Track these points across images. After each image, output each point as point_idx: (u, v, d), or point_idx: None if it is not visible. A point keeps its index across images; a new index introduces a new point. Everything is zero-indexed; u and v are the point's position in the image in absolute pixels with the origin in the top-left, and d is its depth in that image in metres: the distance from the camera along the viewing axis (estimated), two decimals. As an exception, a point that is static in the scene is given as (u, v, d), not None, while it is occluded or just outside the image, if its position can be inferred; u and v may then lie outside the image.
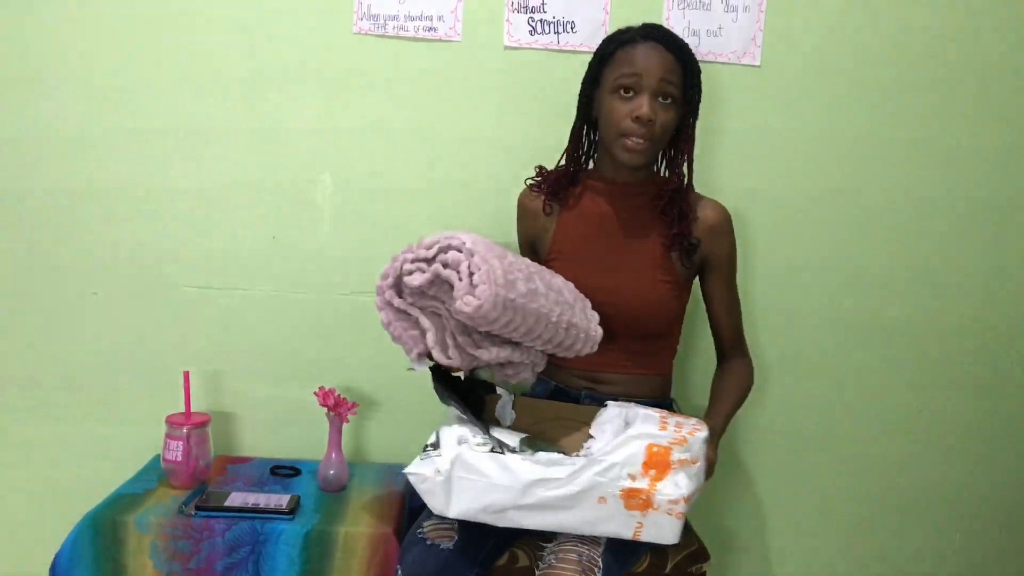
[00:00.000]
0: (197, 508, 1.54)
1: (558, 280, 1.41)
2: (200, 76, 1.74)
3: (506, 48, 1.75)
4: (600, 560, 1.24)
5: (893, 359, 1.92)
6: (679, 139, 1.50)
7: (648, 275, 1.51)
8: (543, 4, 1.73)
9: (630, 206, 1.52)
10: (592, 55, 1.50)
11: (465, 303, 1.22)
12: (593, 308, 1.45)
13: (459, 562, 1.29)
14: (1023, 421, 1.97)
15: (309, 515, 1.56)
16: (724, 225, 1.53)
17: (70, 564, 1.51)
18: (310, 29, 1.73)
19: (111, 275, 1.80)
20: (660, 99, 1.39)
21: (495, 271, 1.23)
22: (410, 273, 1.31)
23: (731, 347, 1.61)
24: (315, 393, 1.69)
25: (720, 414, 1.50)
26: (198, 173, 1.78)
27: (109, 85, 1.74)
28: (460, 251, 1.26)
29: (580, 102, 1.53)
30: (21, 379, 1.83)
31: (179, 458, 1.64)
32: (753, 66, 1.77)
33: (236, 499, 1.57)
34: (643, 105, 1.38)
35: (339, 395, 1.69)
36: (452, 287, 1.26)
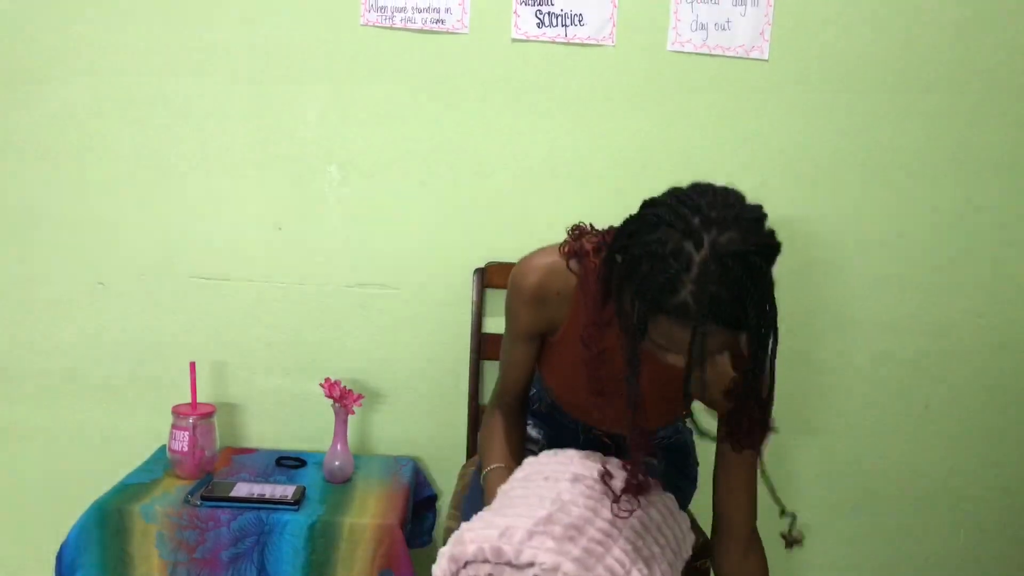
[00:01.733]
0: (203, 498, 1.55)
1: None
2: (207, 67, 1.74)
3: (513, 41, 1.75)
4: None
5: (898, 354, 1.91)
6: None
7: (661, 413, 1.25)
8: (551, -3, 1.73)
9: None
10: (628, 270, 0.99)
11: None
12: (588, 422, 1.32)
13: None
14: (1029, 418, 1.97)
15: (314, 506, 1.57)
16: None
17: (76, 553, 1.52)
18: (317, 21, 1.73)
19: (117, 265, 1.81)
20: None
21: None
22: None
23: (744, 536, 1.27)
24: (321, 384, 1.69)
25: None
26: (205, 164, 1.78)
27: (115, 75, 1.74)
28: None
29: (620, 298, 1.02)
30: (28, 369, 1.84)
31: (185, 448, 1.64)
32: (761, 60, 1.76)
33: (241, 489, 1.58)
34: (680, 362, 1.00)
35: (345, 387, 1.70)
36: None
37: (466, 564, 1.06)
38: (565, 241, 1.20)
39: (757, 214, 0.98)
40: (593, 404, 1.19)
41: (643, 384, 1.08)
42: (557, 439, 1.45)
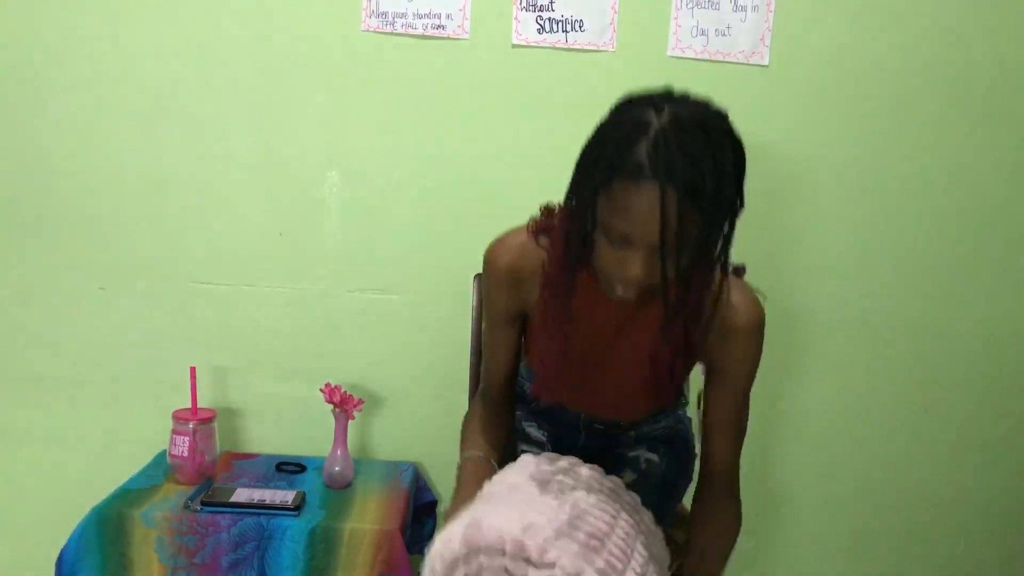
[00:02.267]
0: (203, 503, 1.55)
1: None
2: (209, 72, 1.74)
3: (514, 46, 1.75)
4: None
5: (898, 359, 1.92)
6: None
7: (643, 383, 1.23)
8: (551, 3, 1.73)
9: (630, 312, 1.17)
10: (597, 139, 1.02)
11: None
12: (580, 406, 1.30)
13: None
14: (1030, 423, 1.97)
15: (314, 511, 1.57)
16: (747, 331, 1.16)
17: (76, 558, 1.52)
18: (319, 26, 1.73)
19: (118, 271, 1.81)
20: (660, 255, 0.97)
21: None
22: None
23: (720, 483, 1.26)
24: (321, 390, 1.70)
25: None
26: (206, 169, 1.78)
27: (117, 81, 1.74)
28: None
29: (578, 192, 1.03)
30: (28, 374, 1.84)
31: (185, 453, 1.64)
32: (761, 66, 1.76)
33: (242, 495, 1.58)
34: (634, 268, 0.99)
35: (345, 392, 1.70)
36: None
37: (479, 551, 1.03)
38: (533, 218, 1.19)
39: (724, 111, 1.01)
40: (574, 378, 1.17)
41: (625, 366, 1.12)
42: (559, 438, 1.44)
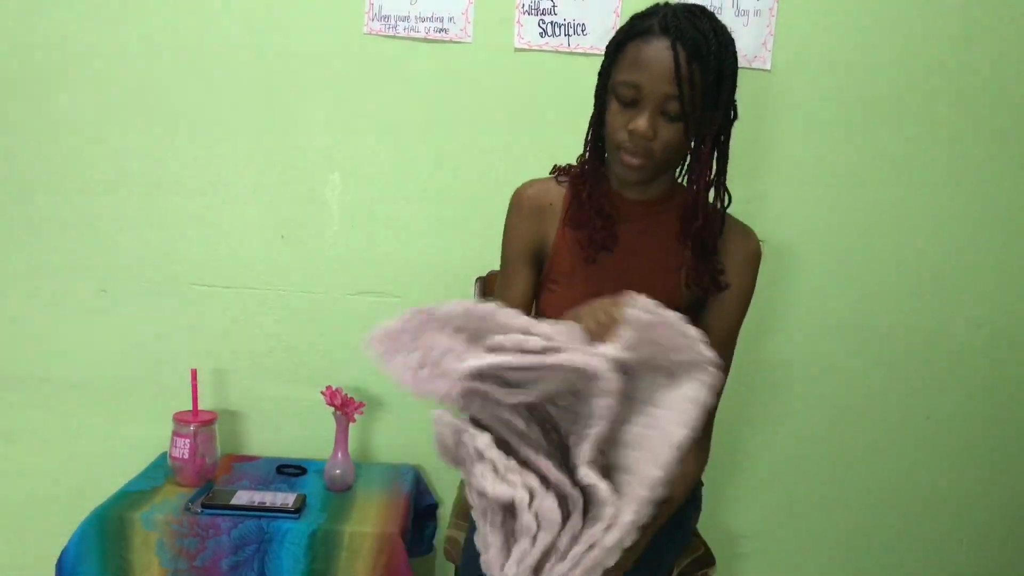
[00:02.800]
0: (203, 506, 1.54)
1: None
2: (211, 75, 1.75)
3: (516, 50, 1.75)
4: None
5: (899, 365, 1.91)
6: (699, 160, 1.19)
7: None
8: (553, 6, 1.73)
9: (641, 227, 1.25)
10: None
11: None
12: None
13: None
14: (1032, 429, 1.97)
15: (315, 514, 1.57)
16: (745, 258, 1.25)
17: (76, 560, 1.52)
18: (321, 29, 1.73)
19: (120, 273, 1.81)
20: (666, 113, 1.10)
21: None
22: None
23: None
24: (322, 392, 1.69)
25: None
26: (208, 172, 1.78)
27: (119, 84, 1.74)
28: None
29: (597, 93, 1.21)
30: (29, 376, 1.84)
31: (186, 456, 1.64)
32: (764, 70, 1.77)
33: (242, 497, 1.58)
34: (641, 121, 1.10)
35: (346, 395, 1.70)
36: None
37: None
38: (556, 165, 1.32)
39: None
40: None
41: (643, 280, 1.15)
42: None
